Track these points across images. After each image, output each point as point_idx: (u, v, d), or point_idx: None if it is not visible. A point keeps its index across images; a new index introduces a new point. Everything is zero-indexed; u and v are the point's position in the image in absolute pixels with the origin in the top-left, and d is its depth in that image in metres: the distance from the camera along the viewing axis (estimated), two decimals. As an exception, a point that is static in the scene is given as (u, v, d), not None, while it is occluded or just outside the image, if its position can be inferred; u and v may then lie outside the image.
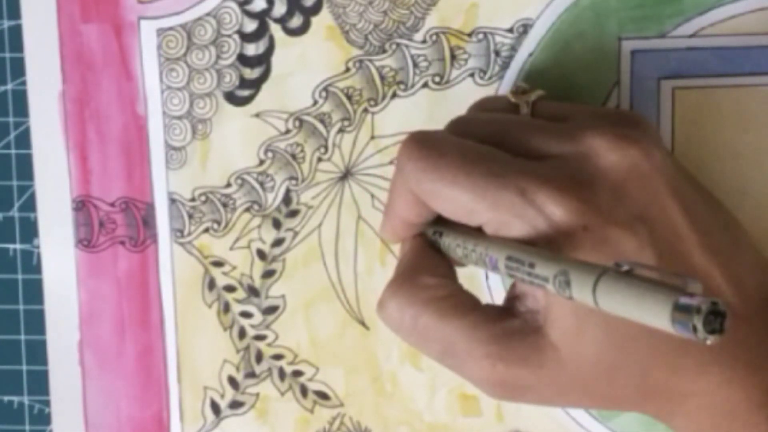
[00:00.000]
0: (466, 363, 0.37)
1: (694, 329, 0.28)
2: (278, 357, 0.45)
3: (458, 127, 0.39)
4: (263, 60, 0.43)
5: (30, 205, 0.45)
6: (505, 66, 0.42)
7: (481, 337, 0.36)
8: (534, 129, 0.37)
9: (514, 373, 0.36)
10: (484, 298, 0.40)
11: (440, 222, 0.39)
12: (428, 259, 0.39)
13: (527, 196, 0.35)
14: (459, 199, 0.36)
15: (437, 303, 0.37)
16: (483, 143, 0.37)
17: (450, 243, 0.38)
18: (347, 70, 0.43)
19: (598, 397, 0.37)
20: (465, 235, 0.37)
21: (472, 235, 0.37)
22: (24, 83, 0.44)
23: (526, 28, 0.42)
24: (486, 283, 0.44)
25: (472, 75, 0.43)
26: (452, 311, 0.37)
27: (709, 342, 0.28)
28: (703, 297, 0.28)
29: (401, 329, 0.38)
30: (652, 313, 0.29)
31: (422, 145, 0.37)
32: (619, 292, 0.30)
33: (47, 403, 0.46)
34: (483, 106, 0.41)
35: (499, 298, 0.42)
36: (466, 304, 0.37)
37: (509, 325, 0.36)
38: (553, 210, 0.35)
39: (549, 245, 0.34)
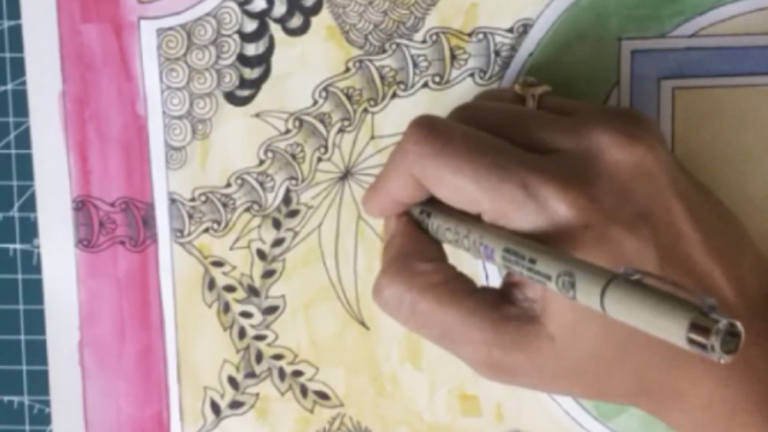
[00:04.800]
0: (463, 346, 0.37)
1: (711, 348, 0.28)
2: (278, 357, 0.45)
3: (464, 113, 0.39)
4: (263, 60, 0.43)
5: (30, 205, 0.45)
6: (505, 66, 0.42)
7: (478, 323, 0.36)
8: (540, 121, 0.37)
9: (509, 358, 0.36)
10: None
11: (428, 202, 0.38)
12: (419, 242, 0.39)
13: (530, 190, 0.35)
14: (462, 187, 0.36)
15: (434, 289, 0.37)
16: (488, 132, 0.37)
17: (440, 225, 0.38)
18: (347, 70, 0.43)
19: (593, 388, 0.37)
20: (457, 220, 0.37)
21: (464, 220, 0.37)
22: (24, 83, 0.44)
23: (526, 28, 0.42)
24: (486, 283, 0.44)
25: (472, 75, 0.43)
26: (449, 297, 0.37)
27: (723, 361, 0.28)
28: (721, 317, 0.28)
29: (398, 315, 0.38)
30: (666, 328, 0.29)
31: (429, 130, 0.37)
32: (629, 302, 0.30)
33: (47, 403, 0.46)
34: (489, 96, 0.41)
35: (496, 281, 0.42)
36: (462, 289, 0.37)
37: (506, 311, 0.36)
38: (555, 206, 0.35)
39: (549, 241, 0.34)
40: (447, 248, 0.39)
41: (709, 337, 0.28)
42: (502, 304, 0.37)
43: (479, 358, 0.37)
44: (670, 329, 0.28)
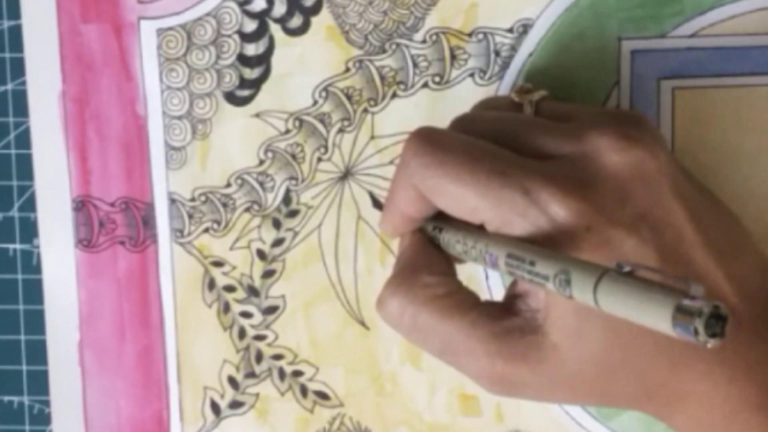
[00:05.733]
0: (466, 360, 0.37)
1: (696, 332, 0.28)
2: (278, 357, 0.45)
3: (463, 124, 0.39)
4: (263, 60, 0.43)
5: (30, 205, 0.45)
6: (505, 66, 0.42)
7: (481, 335, 0.36)
8: (539, 128, 0.37)
9: (513, 371, 0.36)
10: (484, 297, 0.40)
11: (440, 217, 0.39)
12: (428, 256, 0.39)
13: (531, 195, 0.35)
14: (462, 196, 0.36)
15: (437, 302, 0.37)
16: (487, 141, 0.37)
17: (450, 239, 0.38)
18: (347, 70, 0.43)
19: (596, 395, 0.37)
20: (465, 232, 0.37)
21: (472, 231, 0.37)
22: (24, 83, 0.44)
23: (526, 28, 0.42)
24: (486, 283, 0.44)
25: (472, 75, 0.43)
26: (452, 310, 0.37)
27: (709, 345, 0.28)
28: (705, 300, 0.28)
29: (401, 327, 0.38)
30: (654, 316, 0.29)
31: (428, 140, 0.37)
32: (620, 293, 0.30)
33: (47, 403, 0.46)
34: (486, 105, 0.41)
35: (499, 297, 0.42)
36: (465, 303, 0.37)
37: (509, 323, 0.36)
38: (556, 210, 0.35)
39: (551, 245, 0.34)
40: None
41: (692, 321, 0.28)
42: (505, 316, 0.37)
43: (483, 371, 0.37)
44: (658, 316, 0.29)
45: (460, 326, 0.36)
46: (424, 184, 0.37)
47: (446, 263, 0.39)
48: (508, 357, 0.36)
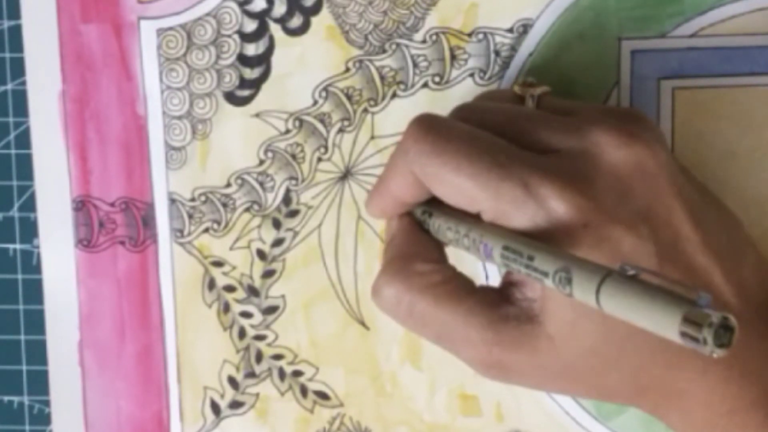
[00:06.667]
0: (462, 346, 0.37)
1: (704, 342, 0.28)
2: (278, 357, 0.45)
3: (464, 113, 0.39)
4: (263, 60, 0.43)
5: (30, 205, 0.45)
6: (505, 66, 0.42)
7: (477, 322, 0.36)
8: (540, 121, 0.37)
9: (508, 358, 0.36)
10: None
11: (430, 202, 0.38)
12: (420, 242, 0.39)
13: (530, 189, 0.35)
14: (461, 186, 0.36)
15: (433, 290, 0.37)
16: (488, 132, 0.37)
17: (440, 225, 0.38)
18: (347, 70, 0.43)
19: (591, 388, 0.37)
20: (457, 219, 0.37)
21: (465, 219, 0.37)
22: (24, 83, 0.44)
23: (526, 28, 0.42)
24: (486, 283, 0.44)
25: (472, 75, 0.43)
26: (448, 297, 0.37)
27: (716, 355, 0.28)
28: (714, 310, 0.28)
29: (397, 315, 0.38)
30: (660, 322, 0.29)
31: (429, 128, 0.37)
32: (624, 297, 0.30)
33: (47, 403, 0.46)
34: (488, 97, 0.41)
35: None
36: (461, 290, 0.37)
37: (505, 311, 0.36)
38: (554, 205, 0.35)
39: (548, 240, 0.34)
40: (448, 250, 0.39)
41: (701, 331, 0.28)
42: (501, 304, 0.37)
43: (478, 357, 0.37)
44: (664, 323, 0.28)
45: (457, 314, 0.37)
46: (422, 171, 0.37)
47: (438, 249, 0.39)
48: (504, 345, 0.36)
